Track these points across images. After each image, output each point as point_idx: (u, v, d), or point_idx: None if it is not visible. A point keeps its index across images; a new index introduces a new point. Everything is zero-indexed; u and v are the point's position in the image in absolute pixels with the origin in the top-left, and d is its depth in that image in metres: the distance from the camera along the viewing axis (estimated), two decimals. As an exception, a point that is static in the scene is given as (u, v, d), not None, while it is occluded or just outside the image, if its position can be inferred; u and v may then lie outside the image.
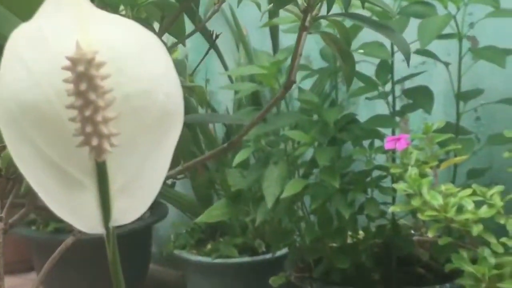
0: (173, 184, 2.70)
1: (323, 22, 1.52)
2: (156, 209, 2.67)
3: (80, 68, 0.45)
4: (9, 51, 0.47)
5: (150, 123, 0.49)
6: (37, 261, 2.58)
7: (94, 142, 0.46)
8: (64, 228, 2.49)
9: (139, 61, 0.48)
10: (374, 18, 1.77)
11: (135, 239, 2.59)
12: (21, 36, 0.47)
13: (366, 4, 1.14)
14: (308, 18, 1.06)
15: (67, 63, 0.45)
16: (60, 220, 2.31)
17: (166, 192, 2.49)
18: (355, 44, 1.77)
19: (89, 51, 0.45)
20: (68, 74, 0.46)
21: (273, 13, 1.91)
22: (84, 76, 0.45)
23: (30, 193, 1.13)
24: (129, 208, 0.50)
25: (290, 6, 1.11)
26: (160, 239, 2.92)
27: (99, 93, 0.46)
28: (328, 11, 0.96)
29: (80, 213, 0.49)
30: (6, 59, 0.47)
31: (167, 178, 0.53)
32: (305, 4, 1.05)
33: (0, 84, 0.47)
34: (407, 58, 1.07)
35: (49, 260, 1.15)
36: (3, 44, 0.46)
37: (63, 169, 0.48)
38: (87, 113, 0.46)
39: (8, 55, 0.47)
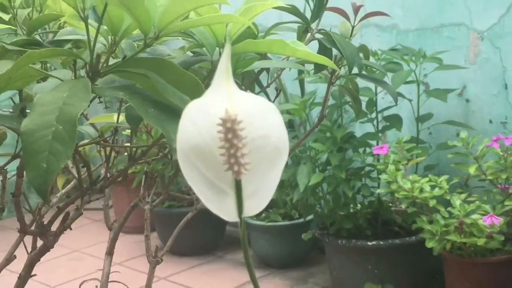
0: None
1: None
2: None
3: (228, 124, 0.47)
4: (185, 114, 0.49)
5: (267, 155, 0.50)
6: (157, 225, 2.60)
7: (235, 168, 0.48)
8: (173, 205, 2.50)
9: (261, 118, 0.50)
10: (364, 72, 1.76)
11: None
12: (193, 105, 0.49)
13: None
14: (333, 77, 1.06)
15: (220, 121, 0.47)
16: (171, 200, 2.27)
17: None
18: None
19: (233, 114, 0.48)
20: (220, 128, 0.47)
21: (301, 71, 1.91)
22: (230, 129, 0.47)
23: (166, 187, 1.15)
24: (255, 206, 0.51)
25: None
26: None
27: (239, 139, 0.48)
28: (349, 73, 0.96)
29: (224, 209, 0.51)
30: (183, 119, 0.49)
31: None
32: (331, 69, 1.05)
33: (179, 133, 0.49)
34: (395, 99, 1.07)
35: (177, 228, 1.17)
36: (181, 109, 0.48)
37: (215, 184, 0.50)
38: (232, 151, 0.48)
39: (184, 116, 0.49)
